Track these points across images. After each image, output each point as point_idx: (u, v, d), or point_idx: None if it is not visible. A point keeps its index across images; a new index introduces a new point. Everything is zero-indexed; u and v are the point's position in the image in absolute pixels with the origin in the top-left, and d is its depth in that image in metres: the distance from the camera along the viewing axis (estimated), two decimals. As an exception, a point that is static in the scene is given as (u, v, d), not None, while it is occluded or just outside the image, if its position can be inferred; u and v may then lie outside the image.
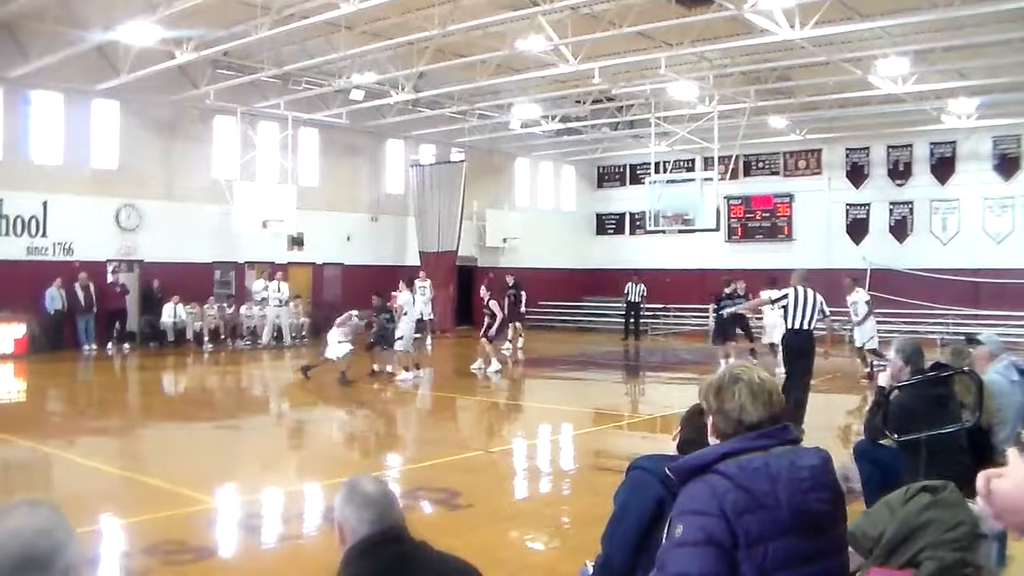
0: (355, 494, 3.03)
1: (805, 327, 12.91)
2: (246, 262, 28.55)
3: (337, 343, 18.91)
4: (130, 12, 19.19)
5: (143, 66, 22.15)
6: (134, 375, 22.21)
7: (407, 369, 19.89)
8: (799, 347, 13.00)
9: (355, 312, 19.99)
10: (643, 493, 3.85)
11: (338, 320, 19.49)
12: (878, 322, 20.59)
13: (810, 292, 12.96)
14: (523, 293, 25.14)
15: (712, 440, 3.25)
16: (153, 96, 24.90)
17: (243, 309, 27.30)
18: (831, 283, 24.25)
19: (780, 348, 15.15)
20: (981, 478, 2.04)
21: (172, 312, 25.71)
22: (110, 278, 25.11)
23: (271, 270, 27.87)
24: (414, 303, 21.11)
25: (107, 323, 24.80)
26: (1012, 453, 2.06)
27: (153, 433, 14.31)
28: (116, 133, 25.47)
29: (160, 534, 8.05)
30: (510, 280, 24.86)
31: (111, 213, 25.30)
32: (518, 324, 25.29)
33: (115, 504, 9.30)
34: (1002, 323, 24.36)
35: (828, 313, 13.51)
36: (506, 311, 24.12)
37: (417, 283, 21.52)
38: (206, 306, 26.55)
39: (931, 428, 5.16)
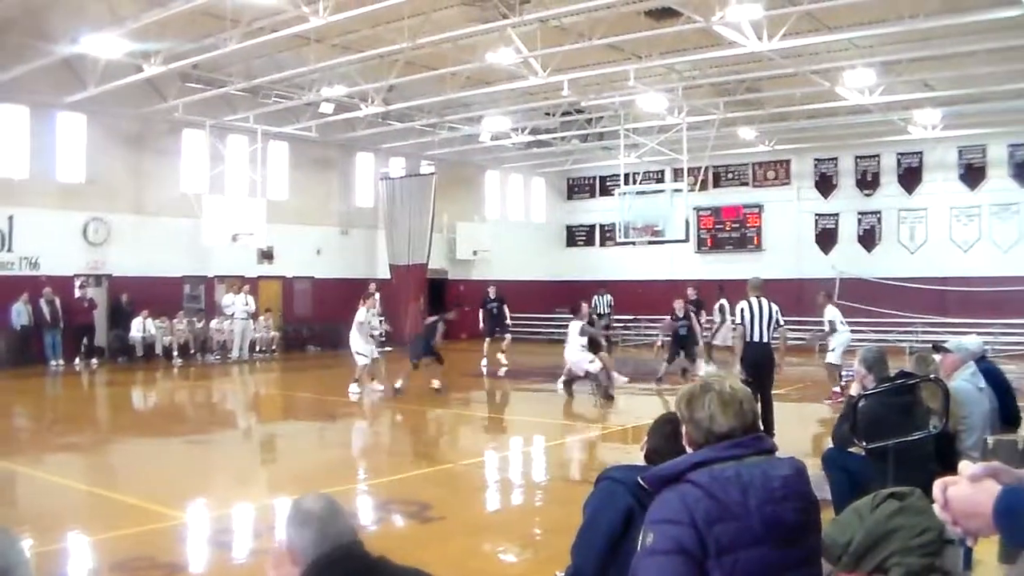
0: (297, 513, 2.92)
1: (763, 339, 12.68)
2: (216, 276, 28.38)
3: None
4: (97, 25, 19.05)
5: (111, 79, 22.01)
6: (102, 390, 22.02)
7: (373, 379, 19.80)
8: (755, 359, 12.69)
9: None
10: (612, 503, 3.86)
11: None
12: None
13: (764, 302, 12.70)
14: (505, 306, 24.78)
15: (687, 450, 3.26)
16: (121, 109, 24.75)
17: (213, 323, 27.18)
18: (802, 293, 24.45)
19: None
20: (937, 486, 2.09)
21: (141, 326, 25.55)
22: (78, 293, 24.85)
23: (239, 284, 27.70)
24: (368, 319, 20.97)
25: (75, 338, 24.58)
26: (963, 464, 2.11)
27: (122, 449, 14.18)
28: (83, 146, 25.33)
29: (129, 551, 7.96)
30: (491, 292, 24.63)
31: (78, 227, 25.14)
32: (503, 336, 24.69)
33: (83, 521, 9.20)
34: (969, 331, 24.33)
35: (783, 323, 13.18)
36: (485, 323, 24.07)
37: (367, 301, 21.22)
38: (176, 320, 26.36)
39: (898, 436, 5.20)
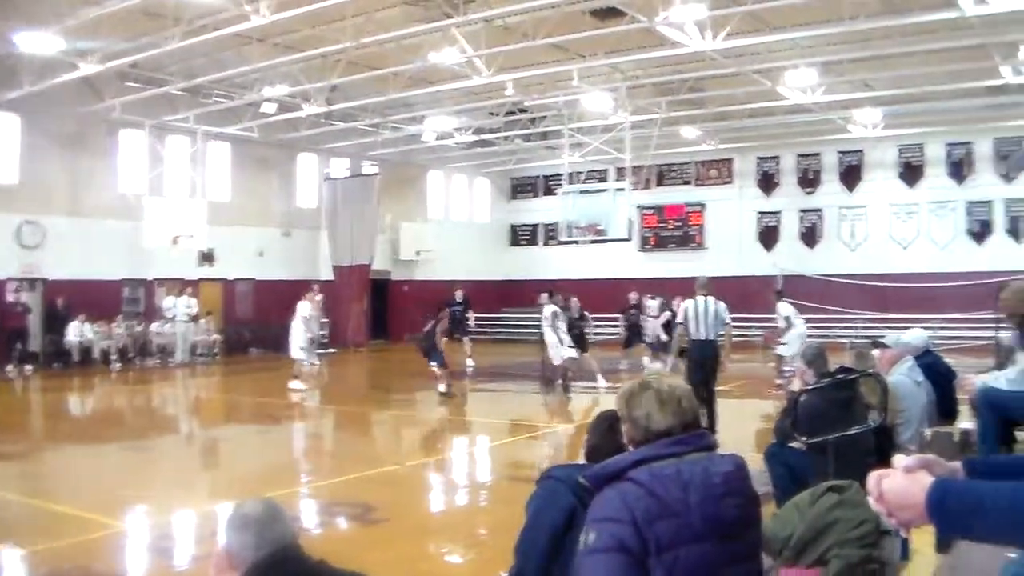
0: (235, 517, 2.92)
1: (707, 337, 12.85)
2: (156, 279, 27.96)
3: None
4: (32, 22, 18.64)
5: (46, 78, 21.57)
6: (36, 396, 21.55)
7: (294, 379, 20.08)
8: (699, 357, 12.89)
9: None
10: (554, 503, 3.85)
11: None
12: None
13: (710, 301, 12.88)
14: (470, 310, 24.66)
15: (629, 448, 3.26)
16: (57, 109, 24.19)
17: (153, 327, 26.83)
18: (744, 290, 24.68)
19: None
20: (872, 478, 2.14)
21: (78, 331, 25.07)
22: (10, 297, 24.34)
23: (180, 286, 27.34)
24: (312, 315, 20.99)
25: (7, 343, 24.02)
26: (897, 458, 2.15)
27: (57, 457, 13.90)
28: (17, 147, 24.74)
29: (65, 561, 7.81)
30: (458, 295, 24.34)
31: (11, 230, 24.50)
32: (462, 339, 24.63)
33: (16, 532, 8.93)
34: (909, 326, 24.68)
35: (729, 322, 13.33)
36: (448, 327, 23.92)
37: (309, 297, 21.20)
38: (114, 324, 25.95)
39: (838, 430, 5.25)
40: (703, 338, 12.83)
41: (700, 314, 12.80)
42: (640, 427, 3.17)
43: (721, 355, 13.14)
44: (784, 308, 20.10)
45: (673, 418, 3.14)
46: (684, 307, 13.08)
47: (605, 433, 4.02)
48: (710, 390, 12.77)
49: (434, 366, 19.07)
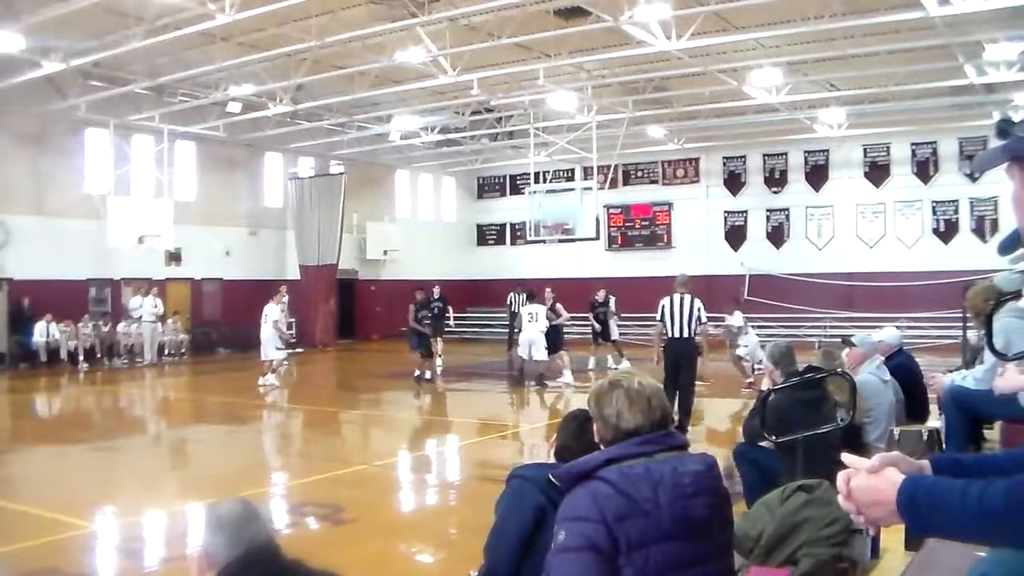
0: (211, 517, 2.92)
1: (683, 334, 13.03)
2: (122, 279, 27.74)
3: None
4: (-7, 21, 18.50)
5: (7, 76, 21.35)
6: (2, 397, 21.35)
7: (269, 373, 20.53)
8: (674, 355, 13.07)
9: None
10: (522, 502, 3.85)
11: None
12: (757, 326, 21.18)
13: (687, 299, 13.08)
14: (449, 308, 24.51)
15: (600, 446, 3.26)
16: (20, 107, 23.97)
17: (120, 327, 26.62)
18: (711, 290, 24.79)
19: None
20: (841, 477, 2.15)
21: (44, 331, 24.85)
22: (-25, 298, 24.10)
23: (147, 286, 27.11)
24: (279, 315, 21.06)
25: (-29, 345, 23.80)
26: (850, 458, 2.16)
27: (24, 458, 13.75)
28: (-21, 147, 24.54)
29: (33, 562, 7.73)
30: (435, 291, 24.25)
31: (-27, 230, 24.34)
32: (436, 337, 24.56)
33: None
34: (876, 325, 24.88)
35: (706, 320, 13.63)
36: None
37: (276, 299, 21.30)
38: (81, 324, 25.72)
39: (807, 429, 5.27)
40: (678, 335, 13.03)
41: (676, 311, 13.02)
42: (610, 426, 3.17)
43: (697, 352, 13.45)
44: (737, 319, 20.55)
45: (642, 417, 3.14)
46: (661, 304, 13.24)
47: (575, 432, 4.02)
48: (683, 387, 12.93)
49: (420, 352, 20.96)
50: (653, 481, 2.97)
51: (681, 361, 13.04)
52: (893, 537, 4.35)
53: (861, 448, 6.35)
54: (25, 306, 24.92)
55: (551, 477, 3.42)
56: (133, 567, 8.08)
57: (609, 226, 34.85)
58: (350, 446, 15.36)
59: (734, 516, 3.38)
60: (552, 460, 4.17)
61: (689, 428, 12.88)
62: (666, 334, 13.16)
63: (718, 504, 3.12)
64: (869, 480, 2.09)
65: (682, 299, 13.08)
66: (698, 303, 13.20)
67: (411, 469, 12.90)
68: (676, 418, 11.59)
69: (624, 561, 2.90)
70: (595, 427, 3.28)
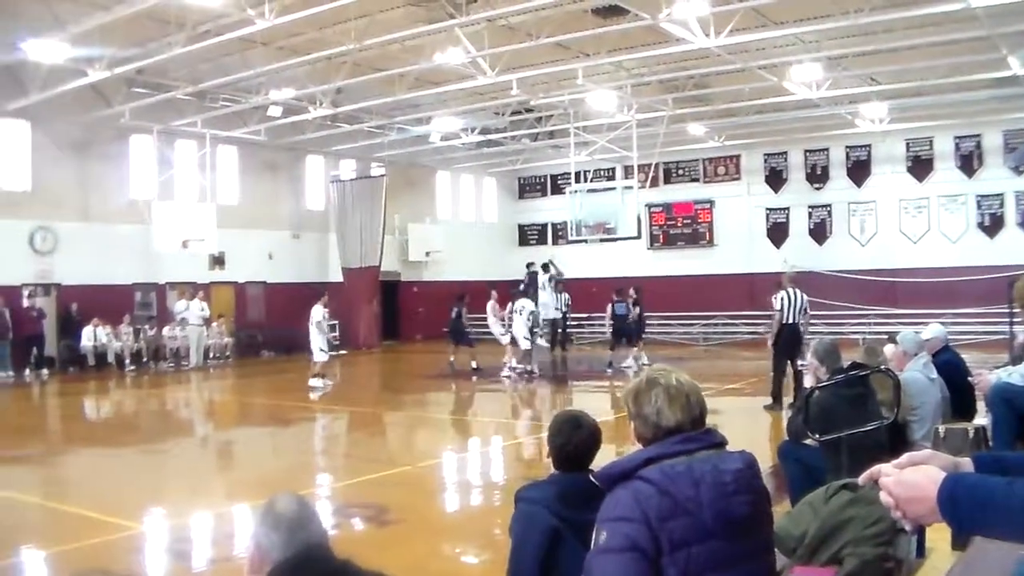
0: (267, 515, 2.88)
1: (795, 321, 15.63)
2: (167, 283, 28.04)
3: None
4: (38, 30, 18.69)
5: (54, 85, 21.65)
6: (53, 401, 21.70)
7: (322, 377, 20.82)
8: (791, 336, 15.55)
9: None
10: (533, 526, 3.92)
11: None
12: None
13: (798, 292, 15.83)
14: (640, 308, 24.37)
15: (637, 445, 3.25)
16: (66, 115, 24.30)
17: (165, 330, 26.89)
18: (753, 287, 24.63)
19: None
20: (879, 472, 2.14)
21: (92, 335, 25.19)
22: (26, 303, 24.38)
23: (192, 290, 27.38)
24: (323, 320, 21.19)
25: (24, 349, 24.11)
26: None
27: (75, 460, 13.99)
28: (28, 154, 24.86)
29: (84, 563, 7.86)
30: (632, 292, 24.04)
31: (24, 236, 24.63)
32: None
33: (36, 535, 9.04)
34: (921, 321, 24.70)
35: (809, 311, 16.35)
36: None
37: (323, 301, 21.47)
38: (124, 326, 26.03)
39: (851, 427, 5.23)
40: (793, 322, 15.67)
41: (792, 302, 15.69)
42: (650, 424, 3.15)
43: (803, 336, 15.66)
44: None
45: (682, 414, 3.12)
46: (780, 296, 15.75)
47: (571, 432, 4.20)
48: (796, 367, 15.19)
49: (464, 348, 22.95)
50: (695, 480, 2.95)
51: (794, 342, 15.50)
52: (939, 536, 4.31)
53: (907, 446, 6.29)
54: (73, 311, 25.30)
55: (592, 479, 3.43)
56: (182, 568, 8.19)
57: (651, 225, 34.73)
58: (394, 447, 15.40)
59: (779, 514, 3.36)
60: (554, 471, 4.31)
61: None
62: (784, 321, 15.58)
63: (759, 502, 3.10)
64: (909, 475, 2.07)
65: (794, 292, 15.74)
66: (805, 296, 15.99)
67: (455, 470, 12.93)
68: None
69: (667, 561, 2.88)
70: (633, 425, 3.27)
